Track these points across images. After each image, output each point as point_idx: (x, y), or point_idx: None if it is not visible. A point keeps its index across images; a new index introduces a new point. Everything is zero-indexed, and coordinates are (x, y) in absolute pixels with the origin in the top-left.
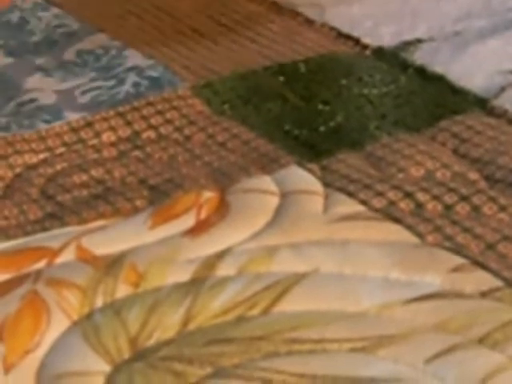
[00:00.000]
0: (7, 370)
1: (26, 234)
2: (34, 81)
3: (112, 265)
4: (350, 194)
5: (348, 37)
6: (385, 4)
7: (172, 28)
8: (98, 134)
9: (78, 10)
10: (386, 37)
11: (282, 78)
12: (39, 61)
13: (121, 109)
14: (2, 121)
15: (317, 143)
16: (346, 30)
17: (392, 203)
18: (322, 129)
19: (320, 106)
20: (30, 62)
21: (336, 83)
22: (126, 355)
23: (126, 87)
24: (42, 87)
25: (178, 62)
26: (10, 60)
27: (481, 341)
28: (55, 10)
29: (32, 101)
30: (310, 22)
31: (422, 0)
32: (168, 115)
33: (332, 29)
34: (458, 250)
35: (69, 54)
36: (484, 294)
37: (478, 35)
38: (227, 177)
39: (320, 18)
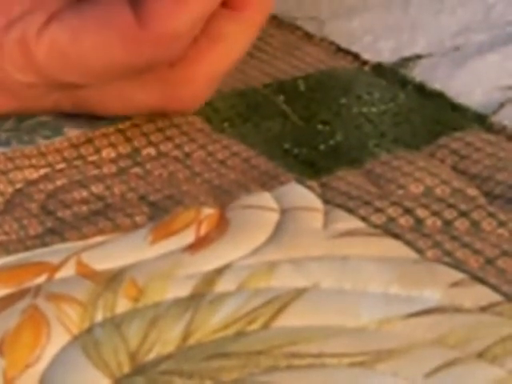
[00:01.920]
0: None
1: (27, 248)
2: None
3: (112, 280)
4: (350, 211)
5: (347, 52)
6: (384, 17)
7: None
8: (98, 150)
9: None
10: (385, 52)
11: (281, 97)
12: None
13: (121, 125)
14: (2, 136)
15: (316, 161)
16: (345, 44)
17: (391, 219)
18: (321, 147)
19: (320, 126)
20: None
21: (335, 102)
22: (126, 370)
23: None
24: None
25: None
26: None
27: (480, 355)
28: None
29: (32, 116)
30: (309, 37)
31: (421, 12)
32: (168, 132)
33: (331, 43)
34: (457, 265)
35: None
36: (483, 309)
37: (477, 50)
38: (227, 194)
39: (319, 32)
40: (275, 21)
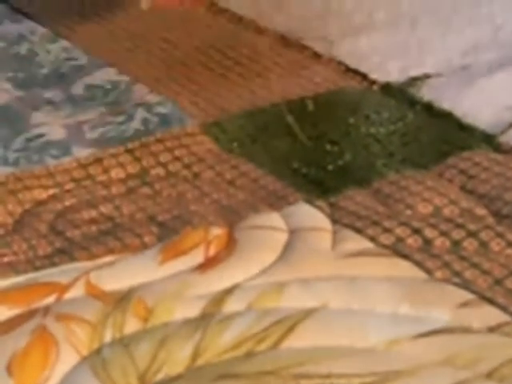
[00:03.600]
0: None
1: (36, 269)
2: (42, 115)
3: (121, 300)
4: (358, 231)
5: (356, 72)
6: (392, 36)
7: (180, 62)
8: (106, 170)
9: (87, 43)
10: (393, 72)
11: (289, 117)
12: (48, 94)
13: (130, 145)
14: (11, 156)
15: (325, 181)
16: (353, 64)
17: (400, 239)
18: (330, 167)
19: (328, 146)
20: (39, 96)
21: (344, 122)
22: None
23: (135, 124)
24: (51, 121)
25: (186, 97)
26: (19, 93)
27: (489, 375)
28: (63, 43)
29: (40, 136)
30: (317, 56)
31: (429, 32)
32: (177, 152)
33: (340, 63)
34: (466, 286)
35: (77, 88)
36: (492, 329)
37: (486, 69)
38: (235, 214)
39: (327, 52)
40: (283, 40)
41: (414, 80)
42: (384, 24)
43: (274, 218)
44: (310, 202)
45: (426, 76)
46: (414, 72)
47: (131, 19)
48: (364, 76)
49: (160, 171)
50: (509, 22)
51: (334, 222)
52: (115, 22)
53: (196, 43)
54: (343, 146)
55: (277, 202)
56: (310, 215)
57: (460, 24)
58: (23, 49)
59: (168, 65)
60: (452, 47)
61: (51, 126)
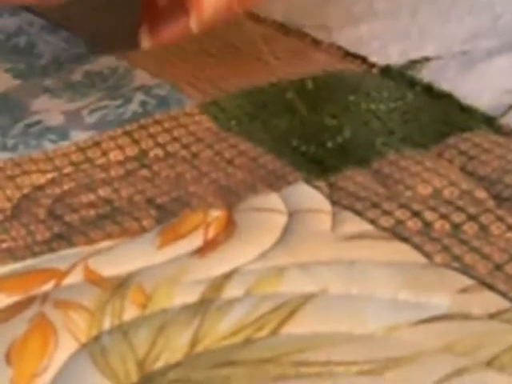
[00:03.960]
0: None
1: (34, 255)
2: (41, 102)
3: (119, 286)
4: (358, 213)
5: (355, 56)
6: (392, 24)
7: (179, 47)
8: (105, 153)
9: (86, 31)
10: (393, 55)
11: (289, 93)
12: (47, 82)
13: (128, 127)
14: (9, 142)
15: (324, 159)
16: (352, 49)
17: (400, 222)
18: (329, 144)
19: (327, 120)
20: (38, 84)
21: (343, 98)
22: (134, 378)
23: (133, 106)
24: (50, 108)
25: (184, 80)
26: (17, 82)
27: (489, 363)
28: (63, 33)
29: (39, 122)
30: (317, 43)
31: (430, 20)
32: (175, 133)
33: (339, 48)
34: (465, 271)
35: (76, 75)
36: (492, 316)
37: (486, 54)
38: (234, 194)
39: (327, 39)
40: (283, 28)
41: (414, 63)
42: (384, 13)
43: (273, 200)
44: (309, 181)
45: (426, 59)
46: (414, 55)
47: None
48: (363, 59)
49: (158, 152)
50: (508, 11)
51: (334, 203)
52: None
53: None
54: (342, 120)
55: (276, 182)
56: (310, 196)
57: (460, 13)
58: (22, 40)
59: (167, 49)
60: (452, 35)
61: (50, 112)
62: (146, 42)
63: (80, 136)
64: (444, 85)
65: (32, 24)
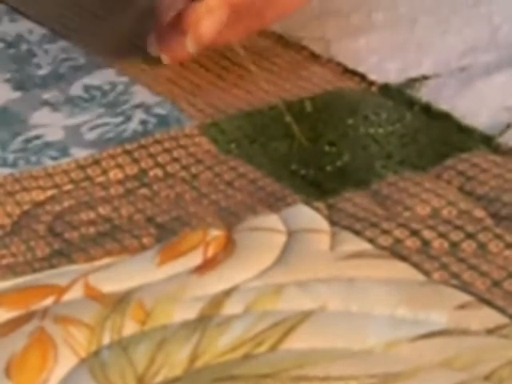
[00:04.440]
0: None
1: (34, 271)
2: (40, 116)
3: (119, 302)
4: (357, 233)
5: (354, 73)
6: (390, 37)
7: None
8: (105, 172)
9: (85, 43)
10: (391, 73)
11: (288, 118)
12: (46, 95)
13: (128, 146)
14: (9, 157)
15: (323, 182)
16: (351, 64)
17: (398, 241)
18: (328, 168)
19: (326, 147)
20: (37, 97)
21: (342, 123)
22: None
23: (134, 125)
24: (49, 123)
25: (183, 98)
26: (17, 94)
27: (487, 378)
28: (62, 43)
29: (39, 137)
30: (315, 57)
31: (427, 33)
32: (175, 153)
33: (338, 64)
34: (464, 288)
35: (76, 89)
36: (490, 332)
37: (484, 70)
38: (234, 215)
39: (325, 52)
40: (281, 40)
41: (413, 81)
42: (382, 25)
43: (273, 220)
44: (308, 203)
45: (424, 77)
46: (413, 73)
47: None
48: (362, 77)
49: (158, 172)
50: (506, 22)
51: (333, 223)
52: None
53: None
54: (341, 146)
55: (275, 204)
56: (309, 217)
57: (458, 25)
58: (21, 49)
59: (164, 65)
60: (450, 48)
61: (50, 127)
62: (163, 59)
63: (80, 153)
64: (442, 103)
65: (32, 32)
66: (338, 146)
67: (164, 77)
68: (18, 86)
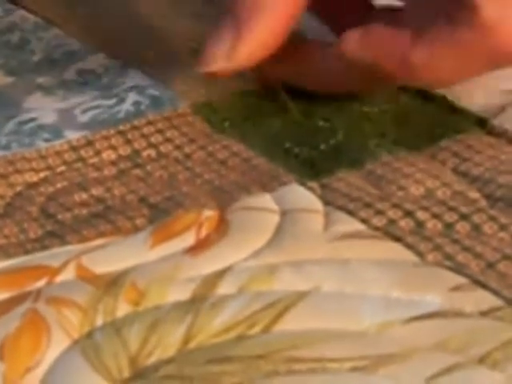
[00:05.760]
0: None
1: (27, 252)
2: (34, 99)
3: (112, 283)
4: (351, 213)
5: None
6: None
7: (171, 48)
8: (98, 153)
9: (78, 30)
10: None
11: (282, 95)
12: (39, 80)
13: (121, 127)
14: (2, 140)
15: (317, 162)
16: None
17: (392, 222)
18: (322, 147)
19: (320, 123)
20: (31, 81)
21: (336, 100)
22: (127, 374)
23: (127, 106)
24: (43, 106)
25: (177, 80)
26: (10, 79)
27: (481, 360)
28: (56, 31)
29: (32, 120)
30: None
31: None
32: (168, 134)
33: None
34: (458, 269)
35: (69, 73)
36: (484, 314)
37: None
38: (227, 195)
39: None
40: None
41: None
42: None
43: (266, 200)
44: (302, 183)
45: None
46: None
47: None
48: None
49: (151, 153)
50: None
51: (326, 203)
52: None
53: (187, 30)
54: (336, 123)
55: (269, 183)
56: (302, 197)
57: None
58: (15, 37)
59: (159, 49)
60: None
61: (43, 110)
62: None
63: (73, 135)
64: None
65: (25, 20)
66: (332, 122)
67: (157, 59)
68: (12, 71)
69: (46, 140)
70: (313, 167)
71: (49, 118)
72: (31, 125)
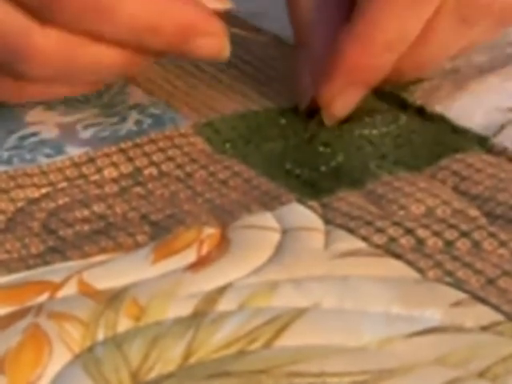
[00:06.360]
0: None
1: (28, 267)
2: (35, 114)
3: (114, 299)
4: (351, 231)
5: None
6: None
7: (172, 63)
8: (99, 170)
9: None
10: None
11: (283, 120)
12: None
13: (123, 145)
14: (4, 154)
15: (318, 182)
16: None
17: (393, 239)
18: (322, 168)
19: (321, 148)
20: None
21: (336, 125)
22: None
23: (129, 125)
24: (44, 120)
25: (178, 98)
26: None
27: (481, 375)
28: None
29: (34, 134)
30: None
31: None
32: (170, 152)
33: None
34: (458, 285)
35: None
36: (484, 328)
37: (477, 71)
38: (228, 214)
39: None
40: (278, 44)
41: (407, 84)
42: None
43: (267, 218)
44: (302, 202)
45: (419, 80)
46: None
47: None
48: None
49: (153, 171)
50: None
51: (327, 222)
52: None
53: None
54: (336, 147)
55: (270, 203)
56: (303, 215)
57: None
58: None
59: (160, 65)
60: None
61: (45, 124)
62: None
63: (75, 151)
64: (436, 106)
65: None
66: (333, 147)
67: (158, 76)
68: None
69: (48, 155)
70: (313, 187)
71: (50, 133)
72: (33, 139)
